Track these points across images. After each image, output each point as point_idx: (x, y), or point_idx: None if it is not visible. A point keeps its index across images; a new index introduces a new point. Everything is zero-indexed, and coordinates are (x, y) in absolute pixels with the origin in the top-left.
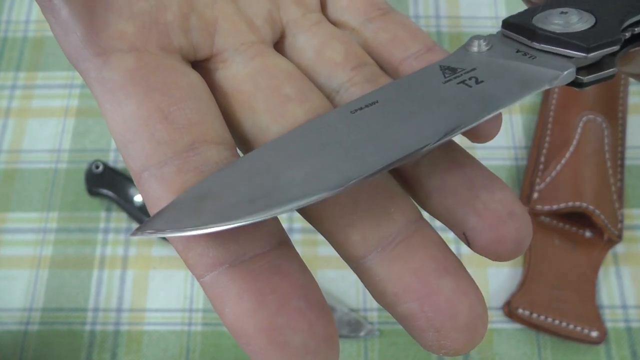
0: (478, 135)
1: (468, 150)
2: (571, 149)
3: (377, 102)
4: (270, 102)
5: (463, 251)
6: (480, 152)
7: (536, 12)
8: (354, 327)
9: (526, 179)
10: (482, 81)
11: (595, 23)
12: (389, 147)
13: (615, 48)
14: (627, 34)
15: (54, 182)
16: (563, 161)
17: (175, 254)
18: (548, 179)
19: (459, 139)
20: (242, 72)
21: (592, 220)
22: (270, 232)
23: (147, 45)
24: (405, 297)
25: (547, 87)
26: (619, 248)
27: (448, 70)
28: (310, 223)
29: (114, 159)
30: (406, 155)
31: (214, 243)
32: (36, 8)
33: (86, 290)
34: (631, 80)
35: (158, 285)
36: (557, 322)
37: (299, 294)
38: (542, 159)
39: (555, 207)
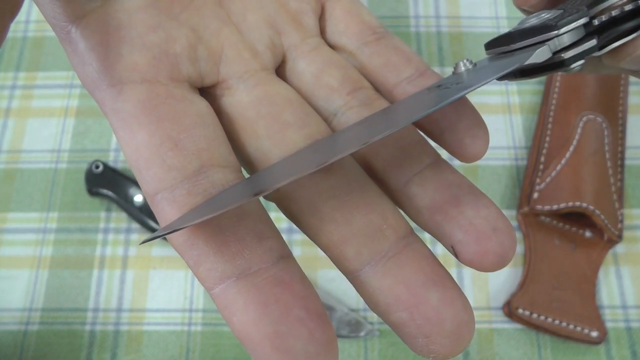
0: (465, 155)
1: None
2: (571, 149)
3: (366, 120)
4: (271, 128)
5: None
6: None
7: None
8: (354, 327)
9: (526, 179)
10: (461, 82)
11: (564, 11)
12: (363, 135)
13: (585, 20)
14: (603, 17)
15: (54, 182)
16: (563, 161)
17: (175, 254)
18: (548, 179)
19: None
20: (246, 100)
21: (592, 220)
22: (273, 246)
23: (157, 76)
24: (396, 306)
25: (520, 64)
26: (619, 248)
27: (435, 87)
28: (310, 238)
29: (114, 159)
30: (377, 138)
31: (222, 258)
32: (36, 8)
33: (86, 290)
34: (631, 80)
35: (158, 285)
36: (557, 322)
37: (299, 304)
38: (542, 159)
39: (555, 207)
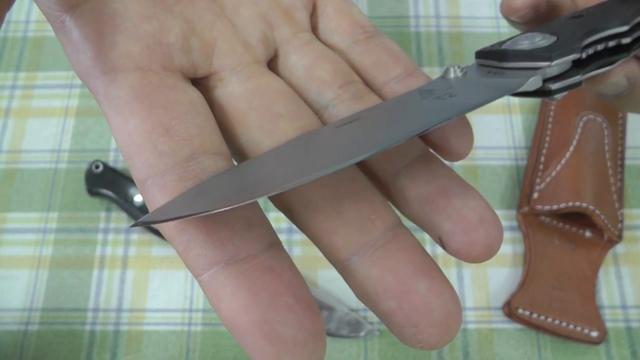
0: (451, 153)
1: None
2: (571, 149)
3: (359, 118)
4: (263, 119)
5: None
6: (481, 152)
7: (500, 43)
8: (354, 327)
9: (526, 179)
10: (455, 95)
11: (557, 39)
12: (361, 146)
13: (576, 56)
14: (590, 50)
15: (54, 182)
16: (563, 161)
17: (175, 254)
18: (548, 179)
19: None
20: (238, 91)
21: (592, 220)
22: (263, 234)
23: (150, 64)
24: (384, 295)
25: (513, 92)
26: (619, 248)
27: (426, 92)
28: (299, 228)
29: (114, 159)
30: (375, 152)
31: (211, 244)
32: (36, 8)
33: (86, 290)
34: None
35: (158, 285)
36: (557, 322)
37: (288, 292)
38: (542, 159)
39: (555, 207)
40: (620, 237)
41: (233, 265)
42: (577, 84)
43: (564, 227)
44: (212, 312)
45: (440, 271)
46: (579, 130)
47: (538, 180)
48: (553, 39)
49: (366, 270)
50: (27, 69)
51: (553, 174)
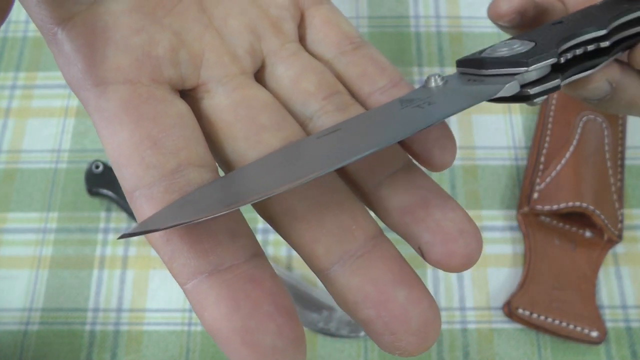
0: (434, 165)
1: (469, 151)
2: (571, 149)
3: (340, 129)
4: (248, 131)
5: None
6: (481, 152)
7: (480, 51)
8: (354, 327)
9: (526, 179)
10: (434, 103)
11: (535, 45)
12: (339, 155)
13: (553, 60)
14: (568, 55)
15: (54, 182)
16: (563, 161)
17: None
18: (548, 179)
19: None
20: (224, 103)
21: (592, 220)
22: (246, 245)
23: (140, 77)
24: (364, 304)
25: (490, 97)
26: (619, 248)
27: (406, 101)
28: (282, 236)
29: None
30: (352, 160)
31: (195, 254)
32: None
33: (86, 290)
34: None
35: (158, 285)
36: (557, 322)
37: (269, 300)
38: (542, 159)
39: (555, 207)
40: (620, 237)
41: (216, 275)
42: (555, 88)
43: (564, 227)
44: None
45: (419, 280)
46: (579, 130)
47: (538, 180)
48: (531, 45)
49: (346, 279)
50: (27, 69)
51: (553, 174)
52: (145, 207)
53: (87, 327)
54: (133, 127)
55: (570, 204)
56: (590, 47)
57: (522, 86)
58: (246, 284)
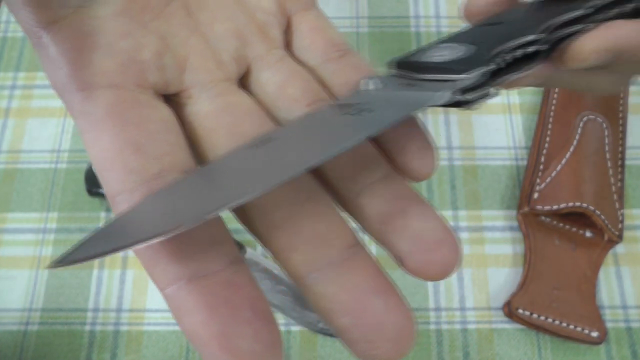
0: (414, 176)
1: (469, 151)
2: (571, 149)
3: (276, 138)
4: (229, 138)
5: (464, 252)
6: (481, 152)
7: (419, 51)
8: None
9: (526, 179)
10: (372, 110)
11: (470, 51)
12: (284, 169)
13: (492, 67)
14: (508, 58)
15: (53, 182)
16: (563, 161)
17: None
18: (548, 179)
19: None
20: (207, 109)
21: (592, 220)
22: (226, 251)
23: (125, 82)
24: (340, 312)
25: (426, 106)
26: (620, 248)
27: (344, 106)
28: (259, 242)
29: None
30: (297, 174)
31: (175, 260)
32: None
33: (86, 291)
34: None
35: None
36: (557, 322)
37: (247, 305)
38: (542, 159)
39: (555, 207)
40: (620, 238)
41: (195, 282)
42: (494, 94)
43: (564, 227)
44: None
45: (395, 289)
46: (579, 130)
47: (538, 180)
48: (470, 49)
49: (323, 288)
50: (27, 69)
51: (553, 174)
52: None
53: (87, 327)
54: (117, 132)
55: (571, 204)
56: (530, 50)
57: (462, 91)
58: (225, 290)
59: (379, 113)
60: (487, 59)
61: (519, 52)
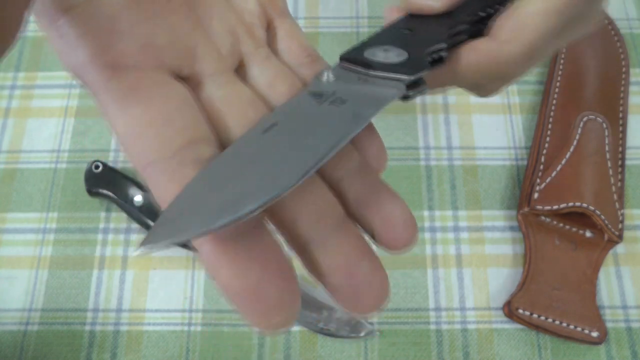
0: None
1: (469, 151)
2: (571, 149)
3: (277, 123)
4: (239, 122)
5: (464, 252)
6: (481, 152)
7: (364, 48)
8: (354, 327)
9: (526, 179)
10: (345, 100)
11: (409, 55)
12: (293, 167)
13: (426, 71)
14: (435, 56)
15: (53, 182)
16: (563, 161)
17: (175, 254)
18: (548, 179)
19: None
20: (216, 95)
21: (592, 220)
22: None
23: (145, 63)
24: (336, 273)
25: (391, 102)
26: (620, 248)
27: (316, 95)
28: (266, 217)
29: (113, 159)
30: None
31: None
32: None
33: (86, 291)
34: (631, 80)
35: (158, 285)
36: (557, 322)
37: (273, 263)
38: (543, 159)
39: (555, 207)
40: (620, 238)
41: (229, 240)
42: (425, 90)
43: (564, 227)
44: (212, 313)
45: (375, 255)
46: (579, 130)
47: (538, 180)
48: (404, 55)
49: (324, 253)
50: (27, 69)
51: (553, 174)
52: (161, 180)
53: (87, 328)
54: (145, 106)
55: (571, 204)
56: (444, 54)
57: (406, 88)
58: (254, 249)
59: (355, 106)
60: (424, 64)
61: (437, 55)
